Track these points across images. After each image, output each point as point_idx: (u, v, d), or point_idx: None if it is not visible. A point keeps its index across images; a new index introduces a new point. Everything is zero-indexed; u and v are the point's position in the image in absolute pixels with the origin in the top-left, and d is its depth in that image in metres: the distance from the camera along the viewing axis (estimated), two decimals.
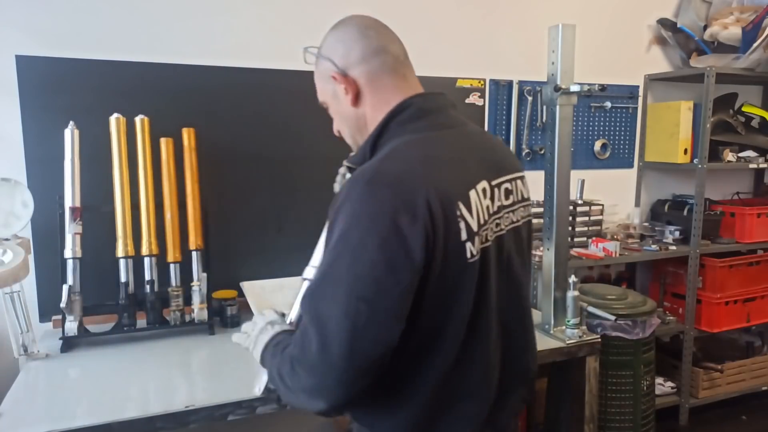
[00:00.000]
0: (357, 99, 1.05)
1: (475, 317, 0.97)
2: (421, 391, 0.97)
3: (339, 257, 0.88)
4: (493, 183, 1.03)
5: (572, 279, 1.90)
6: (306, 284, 1.11)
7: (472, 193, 0.96)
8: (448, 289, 0.93)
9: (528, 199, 1.17)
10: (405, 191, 0.88)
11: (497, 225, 1.03)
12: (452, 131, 1.04)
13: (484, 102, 2.67)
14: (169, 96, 2.14)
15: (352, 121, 1.08)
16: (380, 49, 1.06)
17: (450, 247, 0.91)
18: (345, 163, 1.12)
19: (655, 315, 2.44)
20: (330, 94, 1.10)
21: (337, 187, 1.17)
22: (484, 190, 0.99)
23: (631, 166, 3.10)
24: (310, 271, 1.16)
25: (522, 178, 1.15)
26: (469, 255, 0.94)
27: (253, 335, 1.14)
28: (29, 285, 1.96)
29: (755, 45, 2.72)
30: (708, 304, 2.88)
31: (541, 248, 2.00)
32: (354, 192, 0.90)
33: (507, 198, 1.06)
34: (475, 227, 0.95)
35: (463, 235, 0.93)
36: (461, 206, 0.93)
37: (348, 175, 1.12)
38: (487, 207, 1.00)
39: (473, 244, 0.94)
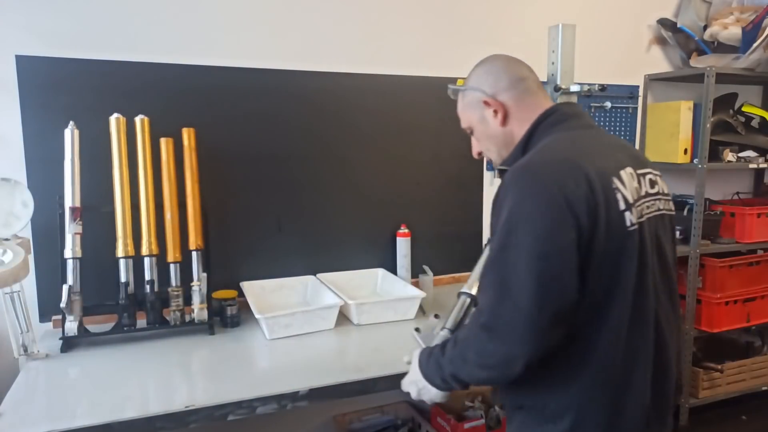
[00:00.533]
0: (505, 119, 1.23)
1: (637, 289, 1.06)
2: (592, 363, 1.05)
3: (514, 227, 1.00)
4: (638, 172, 1.14)
5: None
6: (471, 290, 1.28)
7: (623, 173, 1.09)
8: (613, 253, 1.03)
9: (669, 194, 1.24)
10: (565, 168, 1.03)
11: (648, 207, 1.13)
12: (592, 130, 1.20)
13: None
14: (169, 96, 2.14)
15: (499, 138, 1.25)
16: (523, 77, 1.25)
17: (611, 214, 1.03)
18: (498, 166, 1.27)
19: None
20: (477, 119, 1.27)
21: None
22: (631, 174, 1.11)
23: None
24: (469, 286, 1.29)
25: (661, 176, 1.23)
26: (628, 223, 1.05)
27: (417, 378, 1.21)
28: (29, 285, 1.96)
29: (755, 45, 2.72)
30: (708, 304, 2.88)
31: None
32: (517, 177, 1.05)
33: (652, 187, 1.16)
34: (630, 200, 1.06)
35: (621, 205, 1.05)
36: (615, 180, 1.06)
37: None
38: (636, 188, 1.10)
39: (631, 214, 1.05)
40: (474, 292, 1.30)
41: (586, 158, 1.06)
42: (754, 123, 3.07)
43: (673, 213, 1.25)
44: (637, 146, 3.08)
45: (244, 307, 2.06)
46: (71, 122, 1.89)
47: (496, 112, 1.23)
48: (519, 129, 1.22)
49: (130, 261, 1.91)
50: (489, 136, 1.27)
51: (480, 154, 1.35)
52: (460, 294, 1.31)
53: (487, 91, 1.24)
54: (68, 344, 1.83)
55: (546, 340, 0.98)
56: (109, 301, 1.92)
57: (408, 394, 1.26)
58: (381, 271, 2.50)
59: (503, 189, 1.06)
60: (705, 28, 2.94)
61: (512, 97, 1.23)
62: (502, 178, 1.11)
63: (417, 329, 1.34)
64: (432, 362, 1.16)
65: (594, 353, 1.04)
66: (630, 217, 1.05)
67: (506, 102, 1.23)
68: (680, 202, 2.99)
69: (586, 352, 1.05)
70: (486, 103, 1.24)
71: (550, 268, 0.97)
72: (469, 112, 1.29)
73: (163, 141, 2.00)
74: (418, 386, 1.21)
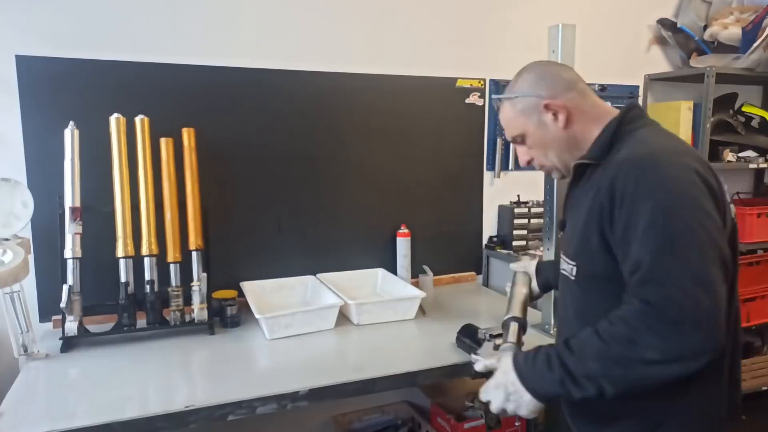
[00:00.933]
0: (568, 121, 1.22)
1: (735, 282, 1.09)
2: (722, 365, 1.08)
3: (673, 213, 0.97)
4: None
5: None
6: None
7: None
8: (731, 244, 1.06)
9: None
10: (691, 156, 1.06)
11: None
12: (661, 126, 1.22)
13: (484, 102, 2.67)
14: (169, 96, 2.14)
15: (561, 143, 1.24)
16: (575, 79, 1.26)
17: (727, 204, 1.07)
18: (580, 160, 1.22)
19: None
20: (534, 125, 1.25)
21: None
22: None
23: None
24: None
25: None
26: (733, 215, 1.09)
27: (509, 380, 1.14)
28: (29, 285, 1.96)
29: (755, 45, 2.72)
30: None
31: (541, 248, 2.00)
32: (649, 170, 1.03)
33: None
34: (727, 196, 1.09)
35: (727, 197, 1.08)
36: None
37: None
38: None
39: (731, 207, 1.10)
40: (519, 315, 1.38)
41: (694, 151, 1.11)
42: (754, 123, 3.07)
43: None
44: None
45: (244, 307, 2.06)
46: (71, 122, 1.89)
47: (556, 115, 1.23)
48: (584, 130, 1.22)
49: (130, 261, 1.91)
50: (549, 140, 1.25)
51: (530, 162, 1.33)
52: (508, 321, 1.37)
53: (544, 94, 1.23)
54: (68, 344, 1.83)
55: (723, 333, 0.95)
56: (109, 301, 1.92)
57: (485, 403, 1.19)
58: (381, 271, 2.50)
59: (634, 177, 1.03)
60: (705, 28, 2.94)
61: (572, 98, 1.23)
62: (580, 172, 1.20)
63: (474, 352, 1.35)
64: (540, 365, 1.06)
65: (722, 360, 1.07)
66: (732, 211, 1.09)
67: (567, 103, 1.23)
68: None
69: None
70: (546, 106, 1.22)
71: (722, 254, 0.98)
72: (523, 119, 1.27)
73: (163, 141, 2.00)
74: (507, 391, 1.12)
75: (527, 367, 1.10)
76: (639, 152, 1.08)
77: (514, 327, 1.35)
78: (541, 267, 1.64)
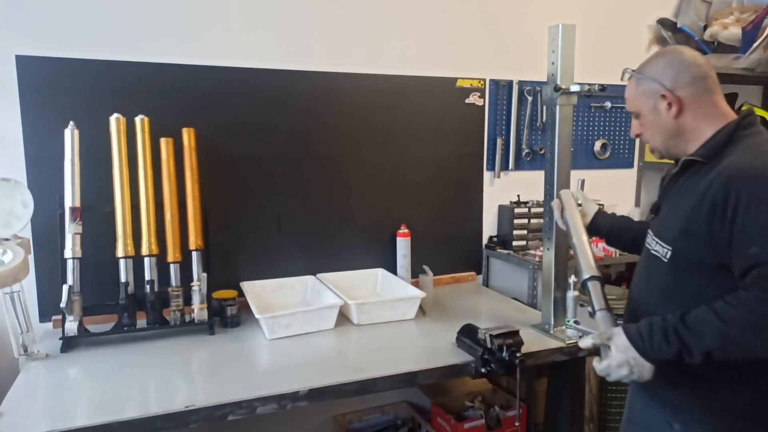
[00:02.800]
0: (680, 113, 1.30)
1: None
2: None
3: None
4: None
5: (572, 279, 1.90)
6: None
7: None
8: None
9: None
10: None
11: None
12: None
13: (484, 102, 2.67)
14: (169, 96, 2.14)
15: (669, 130, 1.32)
16: (704, 75, 1.30)
17: None
18: (690, 156, 1.29)
19: None
20: (649, 108, 1.34)
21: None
22: None
23: (631, 166, 3.10)
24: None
25: None
26: None
27: (628, 355, 1.24)
28: (29, 285, 1.96)
29: (755, 45, 2.72)
30: None
31: (542, 248, 2.00)
32: (765, 182, 1.13)
33: None
34: None
35: None
36: None
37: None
38: None
39: None
40: (596, 273, 1.42)
41: None
42: None
43: None
44: (637, 146, 3.08)
45: (244, 307, 2.06)
46: (71, 122, 1.89)
47: (670, 105, 1.29)
48: (694, 124, 1.29)
49: (130, 261, 1.91)
50: (658, 126, 1.34)
51: (638, 135, 1.41)
52: (586, 281, 1.42)
53: (666, 84, 1.30)
54: (68, 344, 1.83)
55: None
56: (109, 301, 1.92)
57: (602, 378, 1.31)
58: (381, 271, 2.50)
59: (753, 185, 1.13)
60: (705, 28, 2.94)
61: (691, 93, 1.29)
62: (687, 169, 1.29)
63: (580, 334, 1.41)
64: (658, 339, 1.19)
65: None
66: None
67: (684, 98, 1.29)
68: None
69: None
70: (663, 96, 1.30)
71: None
72: (642, 100, 1.35)
73: (163, 141, 2.00)
74: (630, 365, 1.23)
75: (645, 342, 1.21)
76: (759, 161, 1.18)
77: (596, 288, 1.40)
78: (600, 215, 1.71)
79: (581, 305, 1.89)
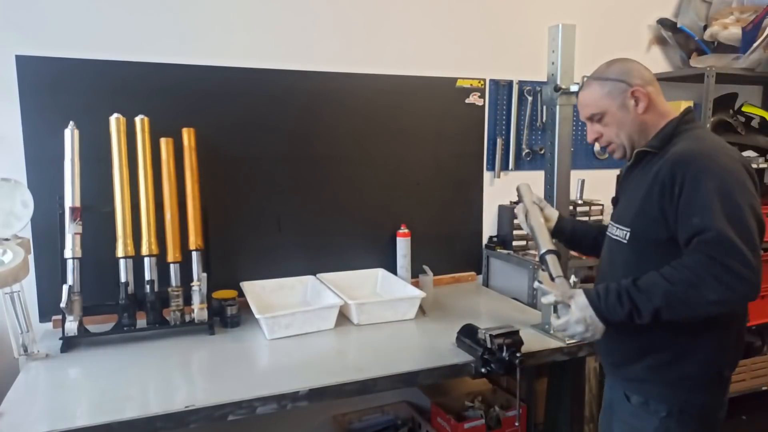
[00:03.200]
0: (647, 108, 1.42)
1: None
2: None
3: (730, 192, 1.22)
4: None
5: (572, 279, 1.89)
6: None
7: None
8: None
9: None
10: (740, 158, 1.32)
11: None
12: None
13: (484, 102, 2.67)
14: (169, 96, 2.14)
15: (634, 126, 1.43)
16: (653, 79, 1.46)
17: (759, 190, 1.32)
18: (642, 147, 1.42)
19: None
20: (616, 106, 1.43)
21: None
22: None
23: None
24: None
25: None
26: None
27: (584, 314, 1.35)
28: (29, 285, 1.96)
29: (755, 45, 2.72)
30: None
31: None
32: (708, 161, 1.27)
33: None
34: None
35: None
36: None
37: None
38: None
39: None
40: (552, 248, 1.53)
41: (735, 149, 1.36)
42: (754, 123, 3.07)
43: None
44: None
45: (244, 307, 2.06)
46: (71, 122, 1.89)
47: (637, 101, 1.41)
48: (655, 120, 1.42)
49: (130, 261, 1.91)
50: (626, 122, 1.43)
51: (596, 139, 1.50)
52: (544, 255, 1.52)
53: (633, 82, 1.41)
54: (68, 344, 1.83)
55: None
56: (109, 301, 1.92)
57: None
58: (381, 271, 2.50)
59: (695, 164, 1.26)
60: (705, 28, 2.93)
61: (653, 92, 1.43)
62: (637, 158, 1.42)
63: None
64: (613, 301, 1.30)
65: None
66: None
67: (650, 94, 1.42)
68: None
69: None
70: (633, 93, 1.41)
71: (761, 228, 1.24)
72: (608, 100, 1.44)
73: (163, 141, 2.00)
74: (587, 323, 1.34)
75: (601, 303, 1.32)
76: (698, 146, 1.32)
77: (553, 259, 1.50)
78: (563, 219, 1.78)
79: None
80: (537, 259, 1.60)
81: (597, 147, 2.96)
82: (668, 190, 1.28)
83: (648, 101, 1.42)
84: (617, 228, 1.44)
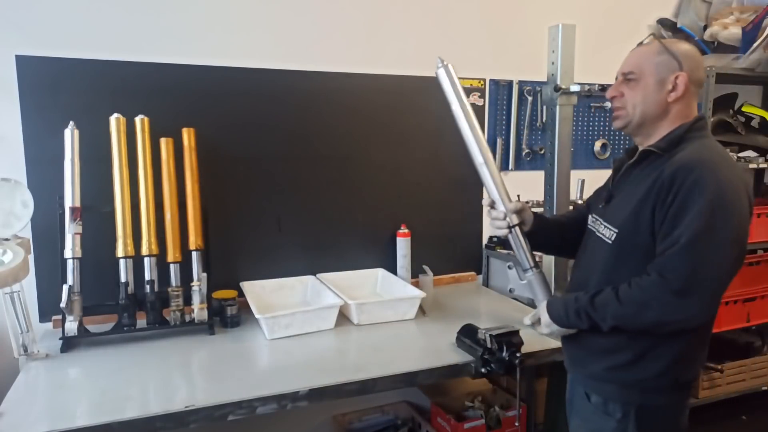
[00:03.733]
0: (677, 99, 1.36)
1: None
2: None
3: (717, 212, 1.21)
4: None
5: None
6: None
7: None
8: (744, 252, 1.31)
9: None
10: (741, 171, 1.31)
11: None
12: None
13: (484, 102, 2.67)
14: (169, 96, 2.14)
15: (654, 106, 1.37)
16: (703, 82, 1.42)
17: (752, 207, 1.31)
18: (648, 147, 1.38)
19: None
20: (656, 78, 1.36)
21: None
22: None
23: None
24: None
25: None
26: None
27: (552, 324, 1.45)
28: (29, 285, 1.96)
29: (755, 45, 2.72)
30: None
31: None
32: (712, 171, 1.24)
33: None
34: None
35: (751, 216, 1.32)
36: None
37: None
38: None
39: None
40: (515, 218, 1.52)
41: (738, 164, 1.32)
42: (754, 123, 3.07)
43: None
44: None
45: (244, 307, 2.06)
46: (71, 122, 1.89)
47: (675, 87, 1.34)
48: (675, 115, 1.37)
49: (130, 261, 1.91)
50: (650, 99, 1.37)
51: (615, 97, 1.42)
52: (511, 229, 1.52)
53: (684, 68, 1.34)
54: (68, 344, 1.83)
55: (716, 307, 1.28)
56: (109, 301, 1.92)
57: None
58: (381, 271, 2.50)
59: (696, 173, 1.23)
60: (705, 28, 2.93)
61: (693, 90, 1.37)
62: (633, 161, 1.40)
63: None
64: (573, 318, 1.38)
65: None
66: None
67: (687, 89, 1.35)
68: None
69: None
70: (677, 77, 1.34)
71: (740, 254, 1.25)
72: (654, 67, 1.36)
73: (163, 141, 2.00)
74: (551, 330, 1.45)
75: (563, 319, 1.41)
76: (703, 156, 1.28)
77: (515, 235, 1.53)
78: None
79: None
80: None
81: (597, 146, 2.96)
82: (663, 194, 1.26)
83: (683, 94, 1.35)
84: (605, 227, 1.41)
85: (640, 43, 1.44)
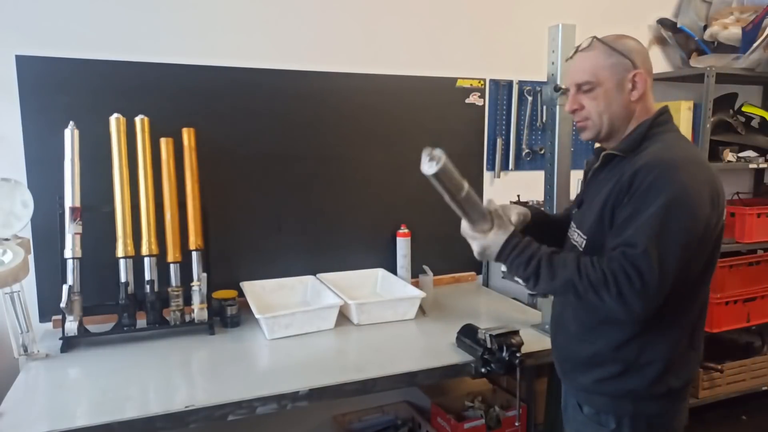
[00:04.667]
0: (640, 97, 1.32)
1: (713, 266, 1.33)
2: (686, 320, 1.33)
3: (674, 213, 1.17)
4: None
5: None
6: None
7: None
8: (717, 243, 1.29)
9: None
10: (708, 171, 1.25)
11: None
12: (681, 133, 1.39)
13: (484, 102, 2.67)
14: (169, 96, 2.14)
15: (619, 109, 1.33)
16: (652, 70, 1.37)
17: (724, 211, 1.29)
18: (611, 150, 1.35)
19: None
20: (614, 82, 1.31)
21: None
22: None
23: None
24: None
25: None
26: (722, 225, 1.29)
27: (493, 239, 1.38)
28: (29, 285, 1.96)
29: (755, 45, 2.72)
30: (708, 304, 2.87)
31: None
32: (676, 171, 1.20)
33: None
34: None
35: (724, 215, 1.29)
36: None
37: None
38: None
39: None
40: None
41: (706, 161, 1.30)
42: (754, 123, 3.07)
43: None
44: None
45: (244, 307, 2.06)
46: (71, 122, 1.89)
47: (635, 86, 1.31)
48: (639, 113, 1.33)
49: (130, 261, 1.91)
50: (613, 104, 1.32)
51: (575, 111, 1.38)
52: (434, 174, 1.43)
53: (637, 64, 1.30)
54: (68, 344, 1.83)
55: (658, 304, 1.20)
56: (109, 301, 1.92)
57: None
58: (381, 271, 2.49)
59: (655, 176, 1.19)
60: (705, 28, 2.93)
61: (649, 83, 1.33)
62: (601, 160, 1.36)
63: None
64: (522, 258, 1.30)
65: (686, 317, 1.32)
66: (723, 221, 1.29)
67: (647, 84, 1.32)
68: None
69: (682, 315, 1.30)
70: (635, 76, 1.30)
71: (692, 255, 1.21)
72: (609, 72, 1.31)
73: (163, 141, 2.00)
74: (485, 253, 1.40)
75: (510, 253, 1.33)
76: (664, 155, 1.24)
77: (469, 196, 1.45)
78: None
79: None
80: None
81: (597, 146, 2.96)
82: (623, 196, 1.24)
83: (644, 91, 1.32)
84: (577, 234, 1.40)
85: (578, 49, 1.38)
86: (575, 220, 1.44)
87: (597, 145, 1.49)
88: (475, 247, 1.40)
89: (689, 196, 1.19)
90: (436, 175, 1.33)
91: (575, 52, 1.39)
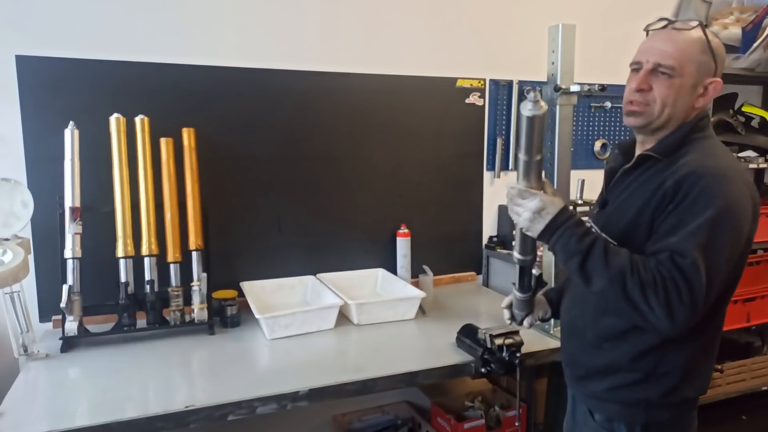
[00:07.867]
0: (702, 105, 1.27)
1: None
2: (708, 332, 1.28)
3: (722, 225, 1.13)
4: None
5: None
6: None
7: None
8: (744, 263, 1.27)
9: None
10: (749, 181, 1.23)
11: None
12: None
13: (484, 102, 2.67)
14: (169, 96, 2.14)
15: (683, 109, 1.25)
16: None
17: (758, 216, 1.24)
18: (646, 151, 1.28)
19: None
20: (691, 78, 1.23)
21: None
22: None
23: None
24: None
25: None
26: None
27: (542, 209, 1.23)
28: (29, 285, 1.96)
29: (755, 45, 2.72)
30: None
31: (542, 248, 1.99)
32: (717, 184, 1.15)
33: None
34: None
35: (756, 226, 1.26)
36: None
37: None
38: None
39: None
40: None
41: (744, 169, 1.27)
42: (754, 123, 3.07)
43: None
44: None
45: (244, 307, 2.06)
46: (71, 122, 1.89)
47: (706, 93, 1.25)
48: (693, 115, 1.27)
49: (130, 261, 1.91)
50: (681, 100, 1.24)
51: (643, 90, 1.25)
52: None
53: (718, 75, 1.25)
54: (68, 344, 1.83)
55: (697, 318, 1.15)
56: (109, 301, 1.92)
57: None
58: (381, 271, 2.49)
59: (702, 184, 1.14)
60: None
61: (715, 95, 1.28)
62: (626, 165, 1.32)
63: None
64: (575, 237, 1.19)
65: (709, 328, 1.27)
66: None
67: (713, 95, 1.27)
68: None
69: (704, 326, 1.24)
70: (712, 83, 1.24)
71: (737, 268, 1.21)
72: (694, 68, 1.22)
73: (163, 141, 2.00)
74: (541, 214, 1.21)
75: (564, 227, 1.20)
76: (710, 164, 1.19)
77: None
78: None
79: None
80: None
81: (597, 146, 2.96)
82: (665, 204, 1.18)
83: (708, 98, 1.27)
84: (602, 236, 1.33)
85: (671, 22, 1.26)
86: (597, 222, 1.37)
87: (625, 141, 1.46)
88: (533, 204, 1.21)
89: (736, 210, 1.15)
90: (534, 118, 1.18)
91: (668, 23, 1.28)
